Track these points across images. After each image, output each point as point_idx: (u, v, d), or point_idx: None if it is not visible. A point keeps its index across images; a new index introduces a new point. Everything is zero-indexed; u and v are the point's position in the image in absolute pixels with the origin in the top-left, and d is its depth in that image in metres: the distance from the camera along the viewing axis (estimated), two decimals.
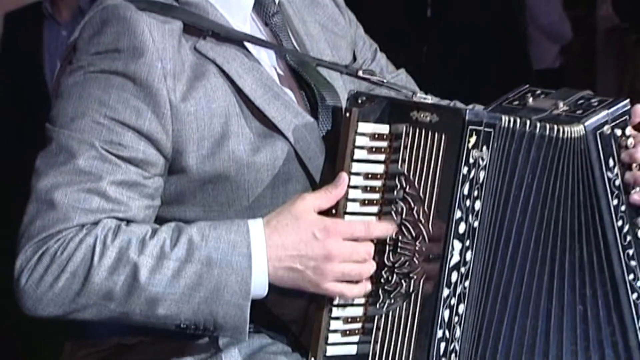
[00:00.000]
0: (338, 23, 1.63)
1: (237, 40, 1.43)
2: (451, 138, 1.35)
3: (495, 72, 3.22)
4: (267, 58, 1.48)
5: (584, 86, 1.59)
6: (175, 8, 1.42)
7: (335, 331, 1.40)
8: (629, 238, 1.48)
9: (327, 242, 1.35)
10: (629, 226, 1.48)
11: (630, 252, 1.48)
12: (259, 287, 1.35)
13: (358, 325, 1.41)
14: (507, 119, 1.38)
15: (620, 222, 1.47)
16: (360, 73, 1.50)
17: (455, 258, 1.36)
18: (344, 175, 1.38)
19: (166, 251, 1.33)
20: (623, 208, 1.47)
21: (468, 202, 1.36)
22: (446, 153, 1.35)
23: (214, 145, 1.39)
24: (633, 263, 1.48)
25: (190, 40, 1.41)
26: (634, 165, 1.48)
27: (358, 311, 1.41)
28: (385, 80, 1.50)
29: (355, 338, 1.41)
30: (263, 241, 1.35)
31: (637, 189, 1.48)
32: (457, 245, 1.36)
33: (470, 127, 1.35)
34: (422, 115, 1.37)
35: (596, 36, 7.16)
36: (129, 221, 1.36)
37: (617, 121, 1.45)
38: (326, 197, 1.37)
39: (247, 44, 1.45)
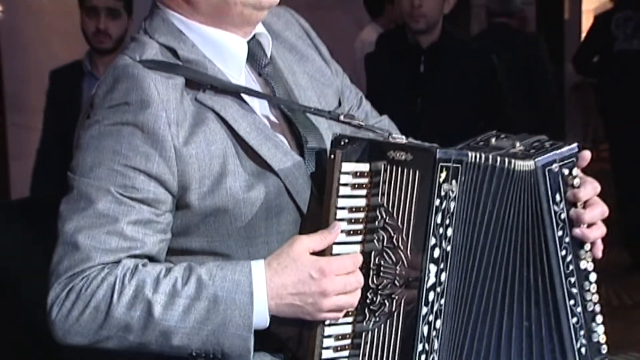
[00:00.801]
0: (325, 74, 1.65)
1: (232, 89, 1.47)
2: (424, 174, 1.38)
3: (479, 124, 3.23)
4: (259, 105, 1.51)
5: (554, 136, 1.63)
6: (178, 66, 1.46)
7: (327, 347, 1.42)
8: (571, 267, 1.51)
9: (322, 281, 1.38)
10: (572, 257, 1.51)
11: (572, 280, 1.50)
12: (261, 320, 1.39)
13: (348, 342, 1.44)
14: (472, 154, 1.43)
15: (564, 252, 1.50)
16: (341, 117, 1.51)
17: (432, 280, 1.40)
18: (338, 224, 1.41)
19: (178, 289, 1.36)
20: (567, 240, 1.50)
21: (441, 230, 1.40)
22: (420, 187, 1.39)
23: (214, 183, 1.42)
24: (574, 290, 1.51)
25: (191, 93, 1.44)
26: (579, 203, 1.51)
27: (347, 329, 1.44)
28: (364, 124, 1.52)
29: (346, 352, 1.44)
30: (264, 280, 1.38)
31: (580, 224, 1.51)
32: (433, 268, 1.40)
33: (441, 163, 1.38)
34: (398, 154, 1.40)
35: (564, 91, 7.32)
36: (145, 256, 1.40)
37: (566, 161, 1.49)
38: (320, 241, 1.40)
39: (242, 95, 1.49)
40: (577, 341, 1.51)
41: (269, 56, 1.56)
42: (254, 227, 1.44)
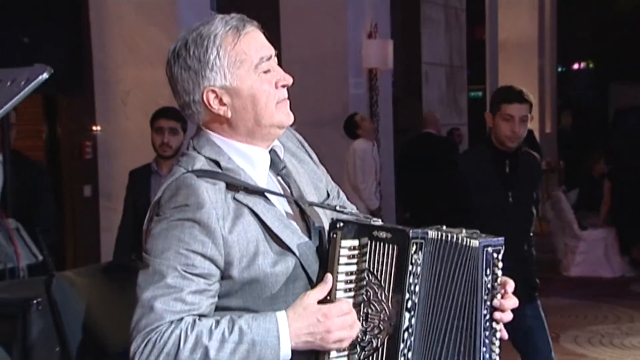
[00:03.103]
0: (317, 173, 1.66)
1: (259, 192, 1.49)
2: (400, 248, 1.42)
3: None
4: (277, 200, 1.52)
5: None
6: (219, 173, 1.47)
7: None
8: (487, 324, 1.50)
9: (326, 322, 1.41)
10: (489, 317, 1.50)
11: (487, 333, 1.50)
12: (285, 355, 1.41)
13: None
14: (432, 232, 1.46)
15: (485, 311, 1.49)
16: (337, 208, 1.55)
17: (406, 323, 1.43)
18: (329, 276, 1.44)
19: (225, 337, 1.38)
20: (489, 304, 1.50)
21: (412, 287, 1.43)
22: (397, 257, 1.42)
23: (249, 261, 1.44)
24: (487, 341, 1.50)
25: (231, 193, 1.45)
26: (503, 291, 1.52)
27: (344, 359, 1.46)
28: (351, 212, 1.55)
29: None
30: (286, 327, 1.41)
31: (499, 296, 1.51)
32: (407, 315, 1.43)
33: (413, 240, 1.42)
34: (380, 233, 1.44)
35: None
36: (200, 315, 1.41)
37: (495, 247, 1.51)
38: (320, 291, 1.44)
39: (266, 194, 1.51)
40: None
41: (281, 159, 1.58)
42: (278, 291, 1.45)
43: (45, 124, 5.55)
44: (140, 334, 1.38)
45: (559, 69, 14.50)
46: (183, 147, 3.61)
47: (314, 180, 1.62)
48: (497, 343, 1.52)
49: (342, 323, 1.41)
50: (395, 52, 7.16)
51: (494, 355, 1.51)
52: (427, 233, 1.45)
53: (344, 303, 1.43)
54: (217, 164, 1.48)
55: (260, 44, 1.49)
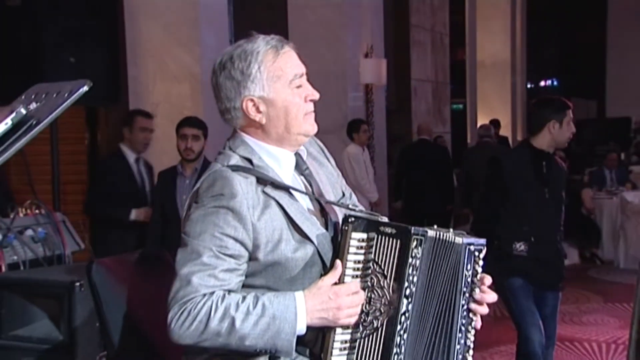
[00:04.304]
0: (334, 175, 1.66)
1: (285, 187, 1.48)
2: (403, 242, 1.41)
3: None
4: (301, 197, 1.52)
5: None
6: (251, 169, 1.47)
7: (336, 348, 1.44)
8: (465, 313, 1.49)
9: (337, 300, 1.41)
10: (467, 306, 1.49)
11: (464, 321, 1.49)
12: (301, 329, 1.41)
13: (348, 344, 1.45)
14: (431, 232, 1.45)
15: (463, 301, 1.48)
16: (350, 206, 1.54)
17: (404, 308, 1.42)
18: (338, 262, 1.44)
19: (250, 310, 1.38)
20: (467, 295, 1.49)
21: (411, 277, 1.42)
22: (400, 250, 1.41)
23: (273, 247, 1.43)
24: (463, 328, 1.48)
25: (260, 187, 1.45)
26: (482, 286, 1.51)
27: (348, 337, 1.45)
28: (361, 210, 1.53)
29: (345, 352, 1.45)
30: (303, 304, 1.41)
31: (477, 290, 1.50)
32: (405, 301, 1.42)
33: (414, 236, 1.41)
34: (386, 229, 1.43)
35: None
36: (229, 290, 1.41)
37: (477, 246, 1.49)
38: (333, 276, 1.43)
39: (290, 190, 1.50)
40: (456, 358, 1.47)
41: (304, 161, 1.57)
42: (296, 274, 1.45)
43: (87, 132, 5.57)
44: (177, 304, 1.37)
45: (529, 86, 14.47)
46: (204, 151, 3.65)
47: (331, 181, 1.62)
48: (473, 331, 1.50)
49: (350, 301, 1.41)
50: (388, 70, 7.19)
51: (468, 342, 1.49)
52: (427, 231, 1.43)
53: (353, 284, 1.43)
54: (250, 161, 1.48)
55: (295, 63, 1.49)
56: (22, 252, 2.42)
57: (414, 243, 1.40)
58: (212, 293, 1.38)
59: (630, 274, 6.03)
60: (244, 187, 1.41)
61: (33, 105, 1.42)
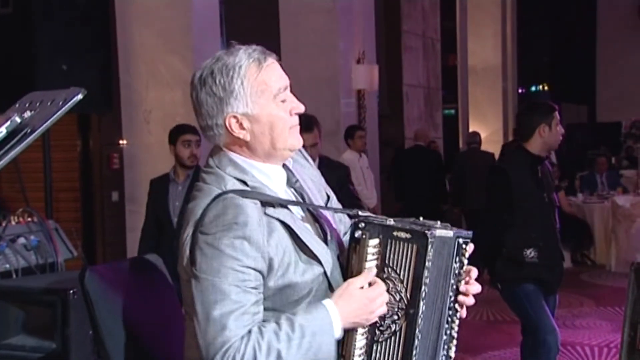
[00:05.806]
0: (316, 176, 1.61)
1: (283, 204, 1.44)
2: (420, 247, 1.40)
3: None
4: (295, 209, 1.49)
5: None
6: (251, 192, 1.42)
7: (356, 349, 1.44)
8: (451, 304, 1.48)
9: (370, 305, 1.41)
10: (454, 297, 1.49)
11: (450, 312, 1.49)
12: (339, 336, 1.41)
13: (366, 348, 1.45)
14: (439, 232, 1.42)
15: (451, 293, 1.48)
16: (357, 212, 1.50)
17: (421, 310, 1.42)
18: (371, 268, 1.42)
19: (290, 336, 1.36)
20: (455, 287, 1.48)
21: (427, 280, 1.41)
22: (416, 255, 1.40)
23: (284, 272, 1.40)
24: (449, 319, 1.49)
25: (263, 209, 1.40)
26: (467, 278, 1.50)
27: (365, 342, 1.45)
28: (355, 211, 1.50)
29: (363, 357, 1.45)
30: (336, 312, 1.40)
31: (463, 282, 1.49)
32: (421, 303, 1.41)
33: (429, 239, 1.40)
34: (400, 233, 1.41)
35: None
36: (262, 321, 1.38)
37: (465, 238, 1.48)
38: (365, 279, 1.42)
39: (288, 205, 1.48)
40: (442, 349, 1.48)
41: (291, 170, 1.53)
42: (303, 295, 1.42)
43: (80, 139, 5.55)
44: (219, 353, 1.32)
45: (520, 91, 14.54)
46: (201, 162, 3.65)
47: (315, 184, 1.58)
48: (457, 322, 1.51)
49: (380, 303, 1.41)
50: (380, 75, 7.22)
51: (453, 333, 1.49)
52: (436, 232, 1.41)
53: (380, 285, 1.41)
54: (244, 183, 1.42)
55: (279, 75, 1.44)
56: (15, 260, 2.40)
57: (429, 247, 1.39)
58: (250, 332, 1.33)
59: (622, 278, 6.06)
60: (255, 214, 1.36)
61: (27, 114, 1.41)
